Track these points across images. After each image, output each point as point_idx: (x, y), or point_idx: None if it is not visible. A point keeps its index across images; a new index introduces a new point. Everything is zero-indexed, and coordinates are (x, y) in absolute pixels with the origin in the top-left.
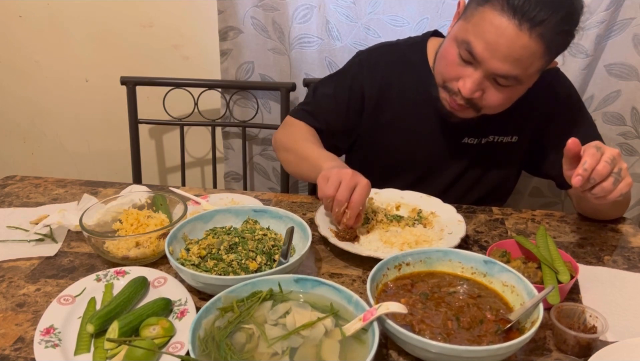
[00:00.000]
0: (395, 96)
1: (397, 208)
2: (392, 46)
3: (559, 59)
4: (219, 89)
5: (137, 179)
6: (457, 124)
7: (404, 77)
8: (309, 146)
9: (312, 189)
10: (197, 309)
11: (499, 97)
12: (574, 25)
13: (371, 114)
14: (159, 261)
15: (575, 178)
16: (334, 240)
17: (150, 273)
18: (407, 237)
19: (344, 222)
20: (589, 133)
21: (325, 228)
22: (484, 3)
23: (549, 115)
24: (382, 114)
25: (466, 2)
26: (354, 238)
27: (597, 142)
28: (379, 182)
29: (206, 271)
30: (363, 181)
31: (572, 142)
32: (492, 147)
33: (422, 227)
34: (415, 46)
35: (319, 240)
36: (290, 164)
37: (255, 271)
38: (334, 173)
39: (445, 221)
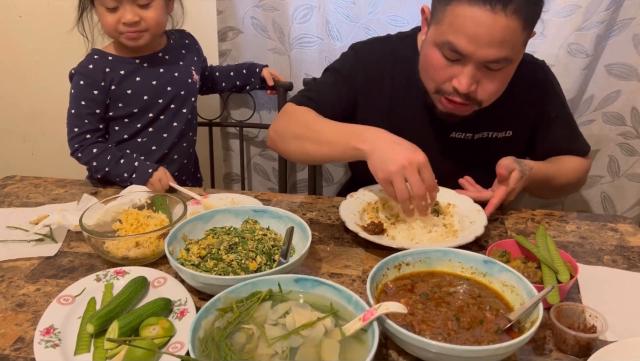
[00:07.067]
0: (386, 88)
1: None
2: (384, 40)
3: (562, 56)
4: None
5: None
6: (446, 120)
7: (395, 71)
8: (325, 128)
9: (312, 189)
10: (197, 309)
11: (494, 83)
12: None
13: (363, 105)
14: (159, 261)
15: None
16: (363, 234)
17: (150, 273)
18: (433, 228)
19: (428, 206)
20: (569, 131)
21: (352, 223)
22: (449, 2)
23: (538, 112)
24: (372, 105)
25: (430, 7)
26: (382, 231)
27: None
28: (372, 177)
29: (206, 271)
30: (420, 157)
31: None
32: (486, 142)
33: (442, 218)
34: (406, 40)
35: (319, 240)
36: (303, 152)
37: (255, 271)
38: (393, 173)
39: (465, 211)
